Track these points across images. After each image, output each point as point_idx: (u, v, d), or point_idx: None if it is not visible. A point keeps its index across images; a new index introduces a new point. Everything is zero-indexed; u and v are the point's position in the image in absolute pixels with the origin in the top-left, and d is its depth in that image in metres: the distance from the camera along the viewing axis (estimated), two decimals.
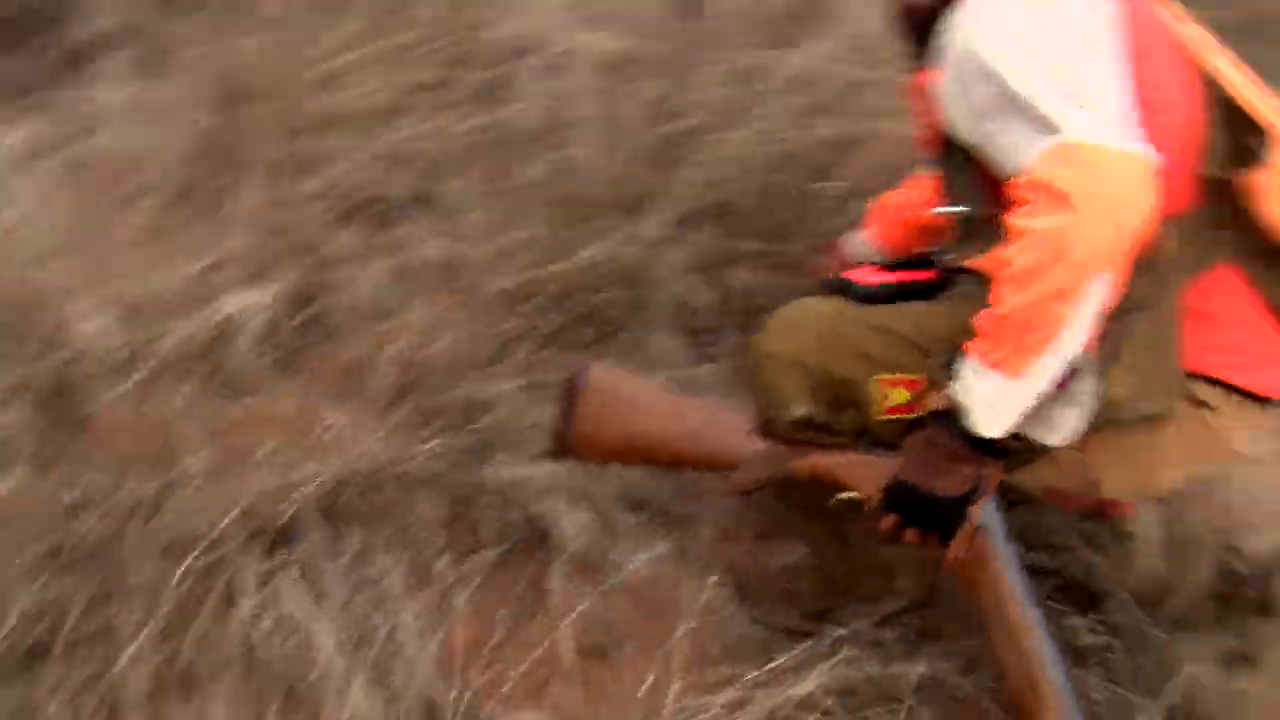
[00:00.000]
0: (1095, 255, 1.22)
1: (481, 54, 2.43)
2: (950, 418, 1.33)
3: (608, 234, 2.08)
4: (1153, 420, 1.41)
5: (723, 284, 2.11)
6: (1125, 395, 1.37)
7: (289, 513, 1.54)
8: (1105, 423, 1.37)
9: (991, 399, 1.29)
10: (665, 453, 1.60)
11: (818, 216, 2.25)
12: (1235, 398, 1.43)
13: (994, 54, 1.35)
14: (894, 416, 1.47)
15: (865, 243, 2.06)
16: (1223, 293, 1.40)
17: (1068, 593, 1.70)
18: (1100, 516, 1.75)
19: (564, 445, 1.60)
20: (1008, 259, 1.26)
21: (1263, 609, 1.69)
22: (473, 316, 1.87)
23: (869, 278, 1.55)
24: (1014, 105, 1.31)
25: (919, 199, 1.98)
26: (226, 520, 1.50)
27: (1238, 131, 1.41)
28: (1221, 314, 1.41)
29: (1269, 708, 1.63)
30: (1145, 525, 1.75)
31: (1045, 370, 1.27)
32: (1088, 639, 1.61)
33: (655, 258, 2.08)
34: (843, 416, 1.52)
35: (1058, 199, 1.22)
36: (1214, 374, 1.41)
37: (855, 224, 2.13)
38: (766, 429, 1.55)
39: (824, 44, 2.38)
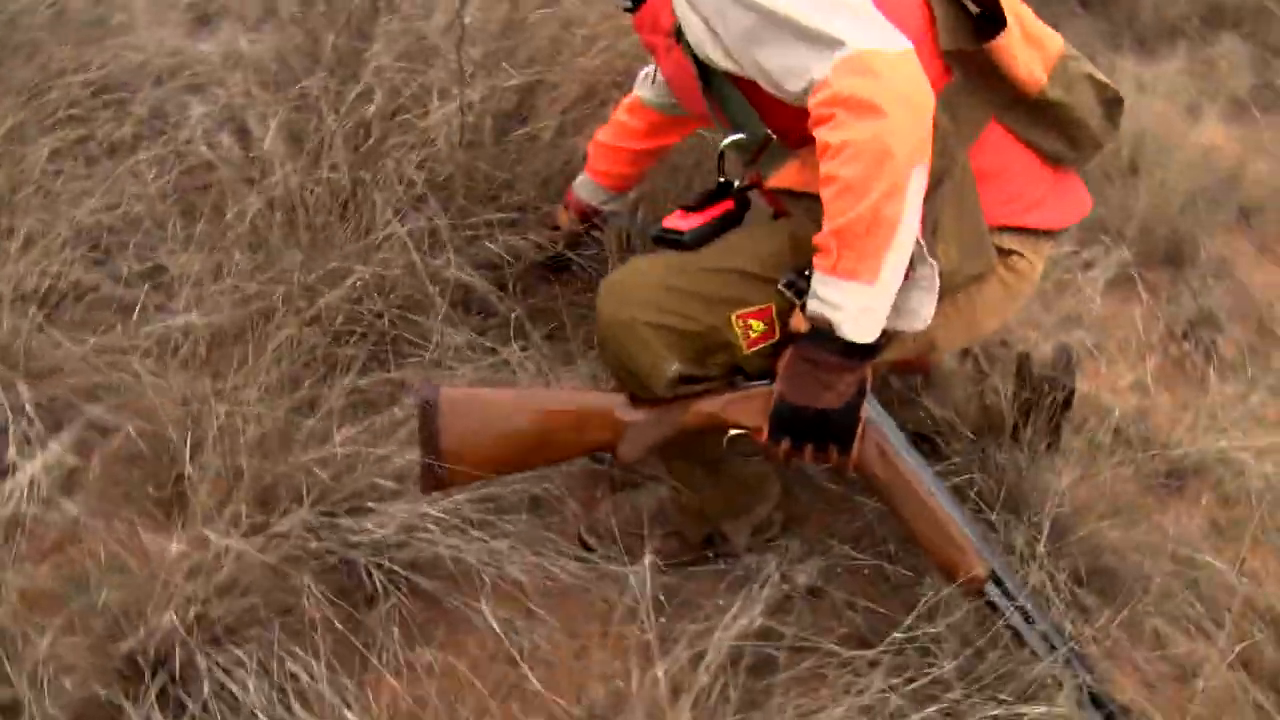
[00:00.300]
0: (912, 149, 1.32)
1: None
2: (818, 334, 1.38)
3: (346, 248, 1.97)
4: (978, 278, 1.55)
5: (485, 262, 2.07)
6: (953, 265, 1.47)
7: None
8: (942, 292, 1.49)
9: (859, 306, 1.35)
10: (541, 452, 1.58)
11: (534, 165, 2.25)
12: (1031, 238, 1.60)
13: None
14: (758, 347, 1.52)
15: (594, 184, 2.12)
16: (995, 149, 1.54)
17: (918, 444, 1.84)
18: (914, 370, 1.91)
19: (434, 475, 1.53)
20: (832, 174, 1.32)
21: (1066, 404, 1.92)
22: (257, 382, 1.71)
23: (685, 223, 1.57)
24: (778, 26, 1.37)
25: (632, 129, 2.05)
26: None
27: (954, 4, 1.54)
28: (1000, 168, 1.55)
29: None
30: (949, 361, 1.94)
31: (896, 265, 1.35)
32: (952, 480, 1.77)
33: (404, 258, 1.99)
34: (712, 361, 1.55)
35: (863, 108, 1.29)
36: (1011, 222, 1.56)
37: (578, 167, 2.17)
38: (642, 395, 1.56)
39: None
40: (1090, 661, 1.55)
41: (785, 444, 1.45)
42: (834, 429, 1.43)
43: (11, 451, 1.54)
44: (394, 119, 2.14)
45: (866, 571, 1.75)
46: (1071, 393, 1.97)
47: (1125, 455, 2.06)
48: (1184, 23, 3.69)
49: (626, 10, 1.71)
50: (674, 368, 1.53)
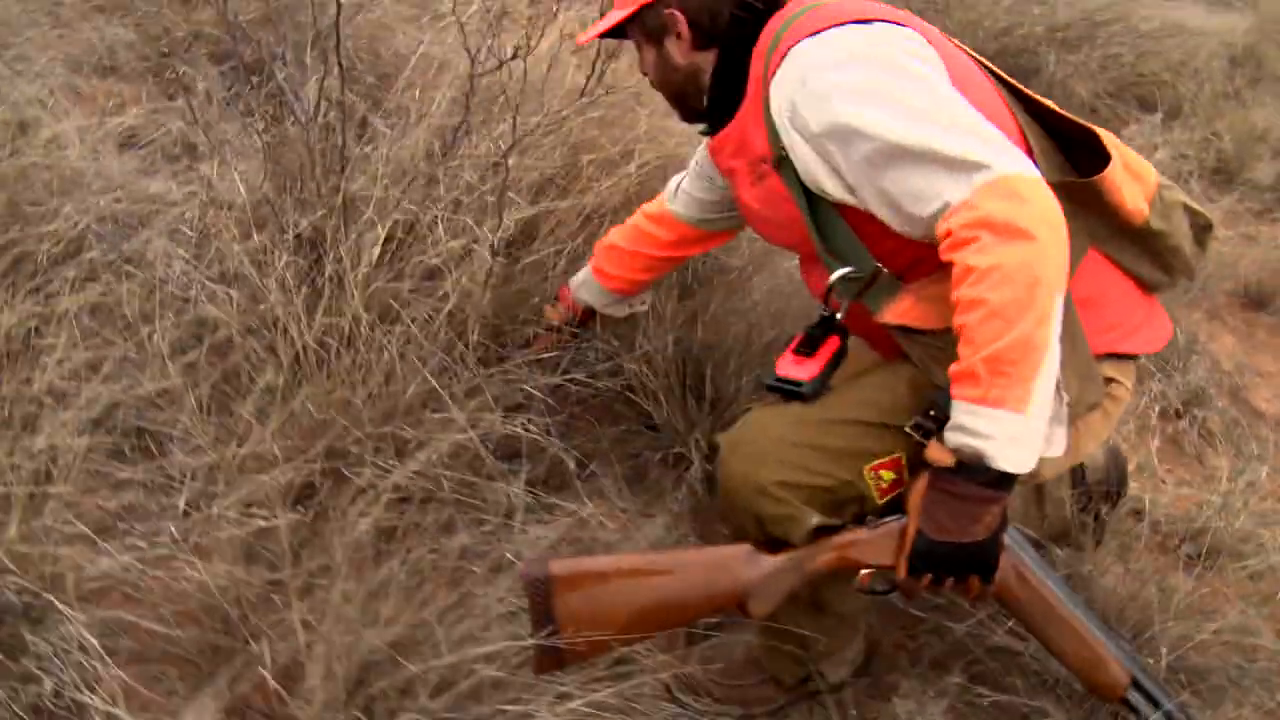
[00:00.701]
0: (1058, 275, 1.30)
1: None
2: (964, 468, 1.34)
3: (379, 407, 1.83)
4: (1091, 408, 1.53)
5: (514, 403, 1.96)
6: (1074, 395, 1.47)
7: None
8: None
9: (1009, 436, 1.31)
10: (665, 617, 1.49)
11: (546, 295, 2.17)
12: (1127, 364, 1.60)
13: (856, 114, 1.39)
14: (890, 497, 1.49)
15: (599, 287, 2.07)
16: (1094, 277, 1.55)
17: None
18: None
19: (549, 656, 1.43)
20: (978, 299, 1.29)
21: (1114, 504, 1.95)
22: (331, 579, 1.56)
23: (802, 370, 1.53)
24: (908, 155, 1.35)
25: (657, 239, 2.02)
26: None
27: (1051, 137, 1.56)
28: (1099, 295, 1.56)
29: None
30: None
31: (1045, 393, 1.32)
32: None
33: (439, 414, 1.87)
34: (845, 512, 1.51)
35: (1012, 232, 1.27)
36: (1112, 349, 1.57)
37: (577, 267, 2.12)
38: (777, 546, 1.49)
39: None
40: None
41: (926, 579, 1.41)
42: (979, 560, 1.39)
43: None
44: (402, 259, 2.02)
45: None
46: (1120, 495, 2.00)
47: (1159, 543, 2.10)
48: (1096, 100, 3.85)
49: (703, 134, 1.70)
50: (813, 520, 1.49)
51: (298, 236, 2.04)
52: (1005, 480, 1.34)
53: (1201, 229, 1.62)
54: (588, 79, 2.17)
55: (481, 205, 2.09)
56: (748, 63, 1.58)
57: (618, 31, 1.71)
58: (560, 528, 1.72)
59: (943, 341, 1.42)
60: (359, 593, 1.48)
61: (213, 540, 1.53)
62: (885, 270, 1.50)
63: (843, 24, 1.47)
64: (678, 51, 1.65)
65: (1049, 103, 1.59)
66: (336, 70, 2.01)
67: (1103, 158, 1.49)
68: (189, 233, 2.11)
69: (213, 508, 1.56)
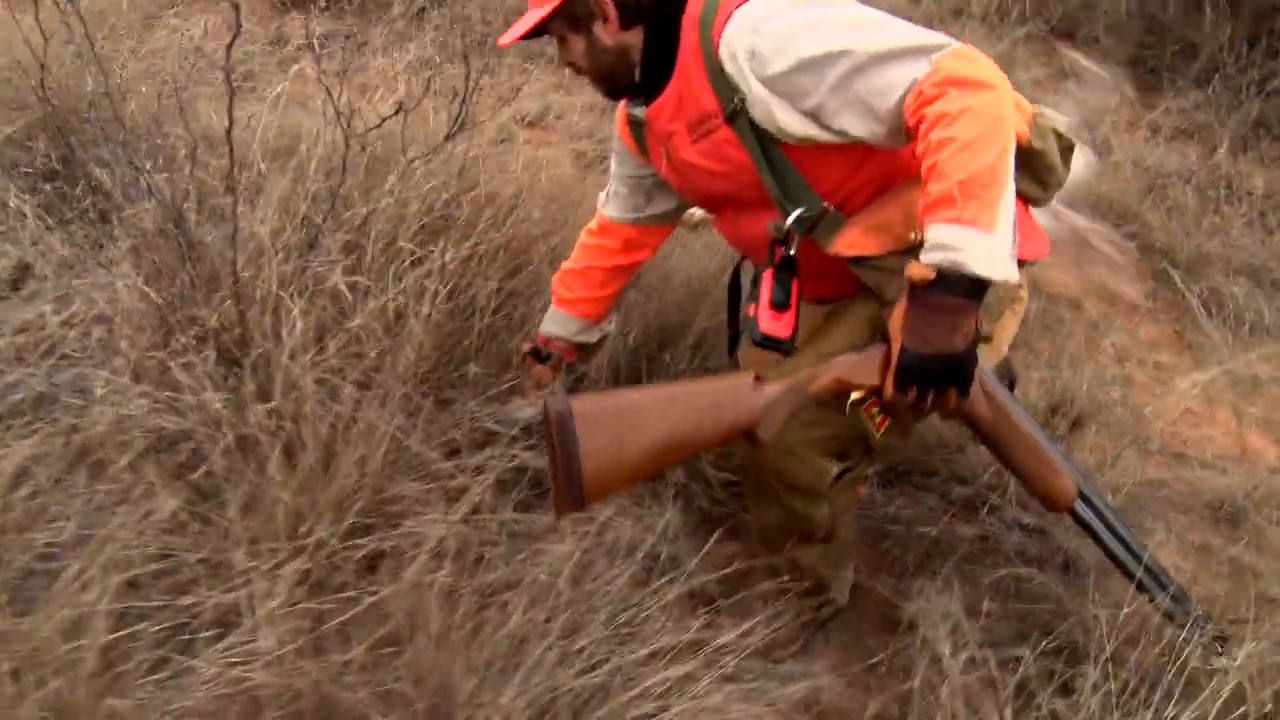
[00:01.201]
0: (1013, 117, 1.51)
1: None
2: (943, 280, 1.46)
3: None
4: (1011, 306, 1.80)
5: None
6: (1002, 289, 1.72)
7: None
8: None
9: (984, 247, 1.45)
10: (682, 448, 1.52)
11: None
12: (1022, 270, 1.84)
13: (821, 43, 1.56)
14: (885, 427, 1.62)
15: (567, 316, 2.16)
16: None
17: None
18: None
19: (576, 493, 1.45)
20: (949, 137, 1.46)
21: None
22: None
23: (782, 326, 1.69)
24: (876, 59, 1.53)
25: (606, 249, 2.13)
26: None
27: None
28: None
29: None
30: None
31: (1008, 218, 1.48)
32: None
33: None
34: (852, 452, 1.72)
35: (975, 84, 1.48)
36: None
37: (544, 306, 2.19)
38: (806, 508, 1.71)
39: None
40: (1166, 574, 1.74)
41: (912, 394, 1.51)
42: (958, 370, 1.50)
43: None
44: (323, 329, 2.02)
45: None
46: (1012, 388, 2.31)
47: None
48: None
49: (639, 105, 1.83)
50: (834, 469, 1.65)
51: (201, 332, 2.01)
52: (979, 288, 1.48)
53: (1066, 150, 1.88)
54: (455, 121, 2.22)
55: (382, 261, 2.12)
56: (677, 34, 1.73)
57: (538, 30, 1.79)
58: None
59: (890, 263, 1.64)
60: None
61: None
62: (831, 207, 1.69)
63: None
64: (606, 34, 1.77)
65: None
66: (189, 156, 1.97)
67: None
68: (88, 354, 2.02)
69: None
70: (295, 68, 2.82)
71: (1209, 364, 2.94)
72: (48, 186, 2.59)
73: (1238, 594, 1.92)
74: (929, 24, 4.33)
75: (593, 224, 2.16)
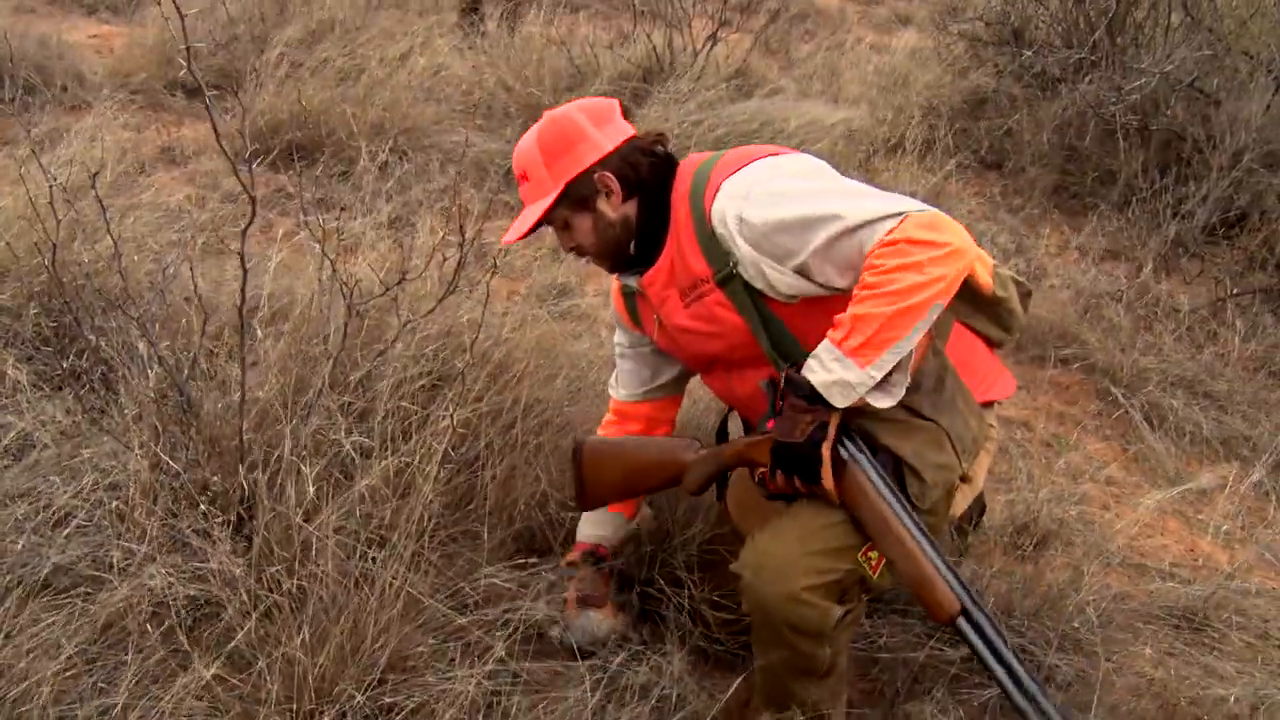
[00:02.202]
0: (945, 288, 1.68)
1: None
2: (790, 382, 1.74)
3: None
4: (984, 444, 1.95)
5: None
6: (975, 433, 1.89)
7: None
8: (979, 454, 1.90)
9: (836, 377, 1.69)
10: (640, 481, 2.09)
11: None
12: (990, 410, 2.03)
13: (808, 207, 1.73)
14: (880, 568, 1.81)
15: (608, 517, 2.25)
16: (961, 341, 1.97)
17: None
18: None
19: (581, 497, 2.14)
20: (877, 282, 1.65)
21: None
22: None
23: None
24: (856, 228, 1.69)
25: (632, 432, 2.24)
26: None
27: None
28: (969, 357, 1.98)
29: None
30: None
31: (887, 362, 1.69)
32: None
33: None
34: (851, 595, 1.84)
35: (927, 245, 1.65)
36: (984, 399, 1.99)
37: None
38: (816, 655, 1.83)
39: None
40: (1051, 698, 1.77)
41: (780, 475, 1.79)
42: (799, 459, 1.75)
43: None
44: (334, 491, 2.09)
45: None
46: (982, 515, 2.46)
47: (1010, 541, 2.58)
48: None
49: (635, 276, 1.97)
50: (837, 612, 1.79)
51: (212, 497, 2.07)
52: (821, 399, 1.71)
53: (1025, 295, 2.07)
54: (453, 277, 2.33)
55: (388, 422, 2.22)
56: (668, 204, 1.90)
57: (542, 220, 1.92)
58: None
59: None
60: None
61: None
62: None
63: (759, 159, 1.85)
64: (610, 208, 1.92)
65: None
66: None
67: None
68: (96, 524, 2.08)
69: None
70: (280, 230, 2.95)
71: (1156, 476, 3.11)
72: (41, 354, 2.65)
73: None
74: (868, 157, 4.63)
75: (608, 416, 2.26)
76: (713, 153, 1.96)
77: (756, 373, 1.91)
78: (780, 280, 1.79)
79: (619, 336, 2.22)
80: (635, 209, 1.93)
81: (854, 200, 1.74)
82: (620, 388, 2.24)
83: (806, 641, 1.81)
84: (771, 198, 1.78)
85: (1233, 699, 1.99)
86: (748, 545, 1.86)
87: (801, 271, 1.77)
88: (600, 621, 2.11)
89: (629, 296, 2.08)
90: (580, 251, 1.99)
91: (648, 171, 1.92)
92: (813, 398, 1.71)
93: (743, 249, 1.79)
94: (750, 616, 1.85)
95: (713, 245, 1.83)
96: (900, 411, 1.82)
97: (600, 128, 1.92)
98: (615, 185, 1.90)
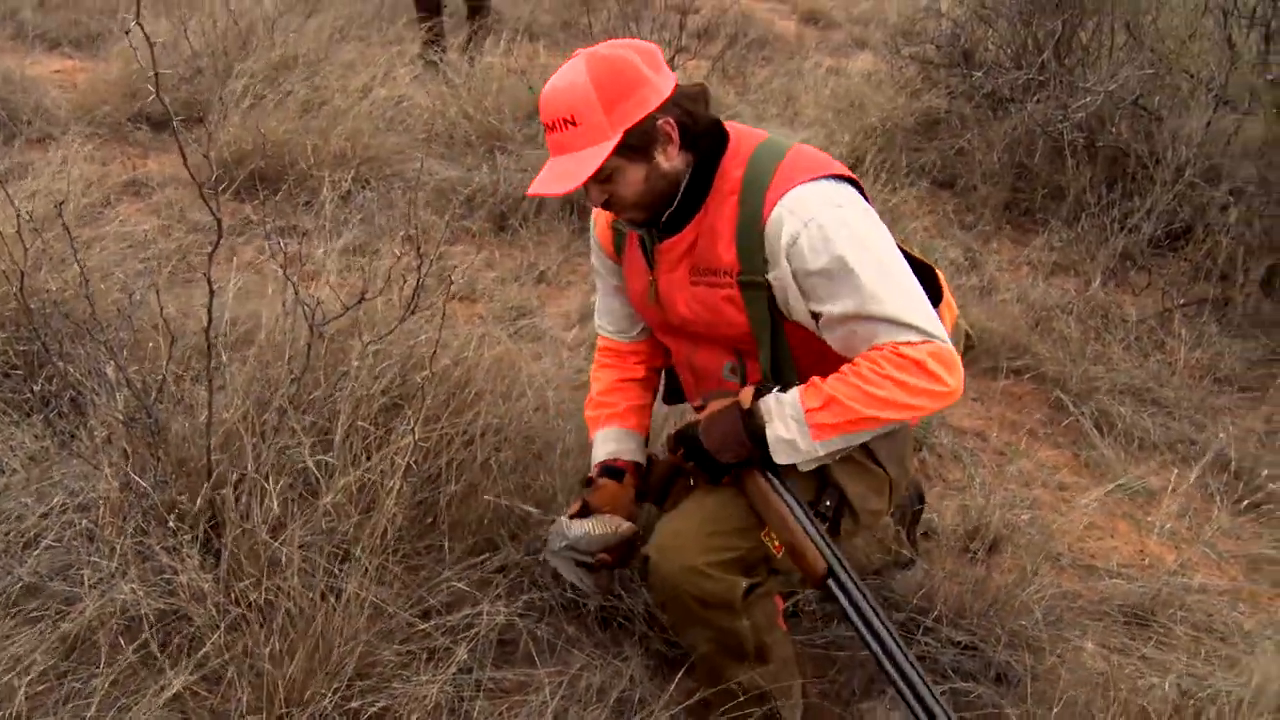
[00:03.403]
0: (916, 418, 1.82)
1: None
2: (750, 416, 1.80)
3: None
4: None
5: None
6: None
7: None
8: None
9: (789, 440, 1.78)
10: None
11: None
12: None
13: (855, 260, 1.73)
14: (783, 550, 1.86)
15: (624, 432, 2.21)
16: None
17: None
18: None
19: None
20: (871, 378, 1.71)
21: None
22: None
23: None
24: (886, 321, 1.73)
25: (627, 363, 2.25)
26: None
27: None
28: None
29: None
30: None
31: (837, 450, 1.81)
32: None
33: None
34: (758, 571, 1.91)
35: (931, 377, 1.71)
36: None
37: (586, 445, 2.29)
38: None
39: None
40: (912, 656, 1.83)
41: (680, 452, 1.91)
42: (710, 466, 1.87)
43: None
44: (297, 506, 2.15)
45: None
46: (920, 510, 2.55)
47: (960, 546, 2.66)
48: None
49: (659, 236, 1.92)
50: (743, 584, 1.87)
51: (180, 515, 2.12)
52: (763, 445, 1.80)
53: (970, 347, 2.14)
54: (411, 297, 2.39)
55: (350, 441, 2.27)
56: (713, 172, 1.84)
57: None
58: None
59: None
60: None
61: None
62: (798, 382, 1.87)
63: (828, 176, 1.81)
64: (666, 158, 1.82)
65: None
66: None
67: (936, 291, 1.95)
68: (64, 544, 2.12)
69: None
70: (244, 258, 3.00)
71: (1106, 480, 3.20)
72: (10, 380, 2.69)
73: None
74: None
75: (600, 355, 2.24)
76: (765, 133, 1.90)
77: (722, 354, 1.97)
78: (799, 310, 1.82)
79: (596, 262, 2.17)
80: (685, 165, 1.84)
81: (899, 293, 1.75)
82: (609, 325, 2.22)
83: (718, 615, 1.88)
84: (828, 237, 1.74)
85: (1167, 685, 2.07)
86: (655, 528, 1.94)
87: (814, 315, 1.81)
88: (573, 526, 2.01)
89: (619, 232, 2.03)
90: (613, 205, 1.87)
91: (705, 126, 1.83)
92: (757, 439, 1.80)
93: (784, 268, 1.78)
94: (662, 599, 1.92)
95: (753, 245, 1.80)
96: (859, 452, 1.92)
97: (655, 72, 1.79)
98: (676, 135, 1.80)
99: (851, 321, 1.76)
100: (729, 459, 1.84)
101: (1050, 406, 3.57)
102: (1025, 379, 3.67)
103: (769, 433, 1.78)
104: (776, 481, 1.85)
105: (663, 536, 1.91)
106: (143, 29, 1.78)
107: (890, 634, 1.75)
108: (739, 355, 1.96)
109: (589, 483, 2.11)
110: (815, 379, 1.79)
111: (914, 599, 2.44)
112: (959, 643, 2.33)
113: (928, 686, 1.72)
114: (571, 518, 2.03)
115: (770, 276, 1.81)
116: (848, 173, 1.88)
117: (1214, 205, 4.41)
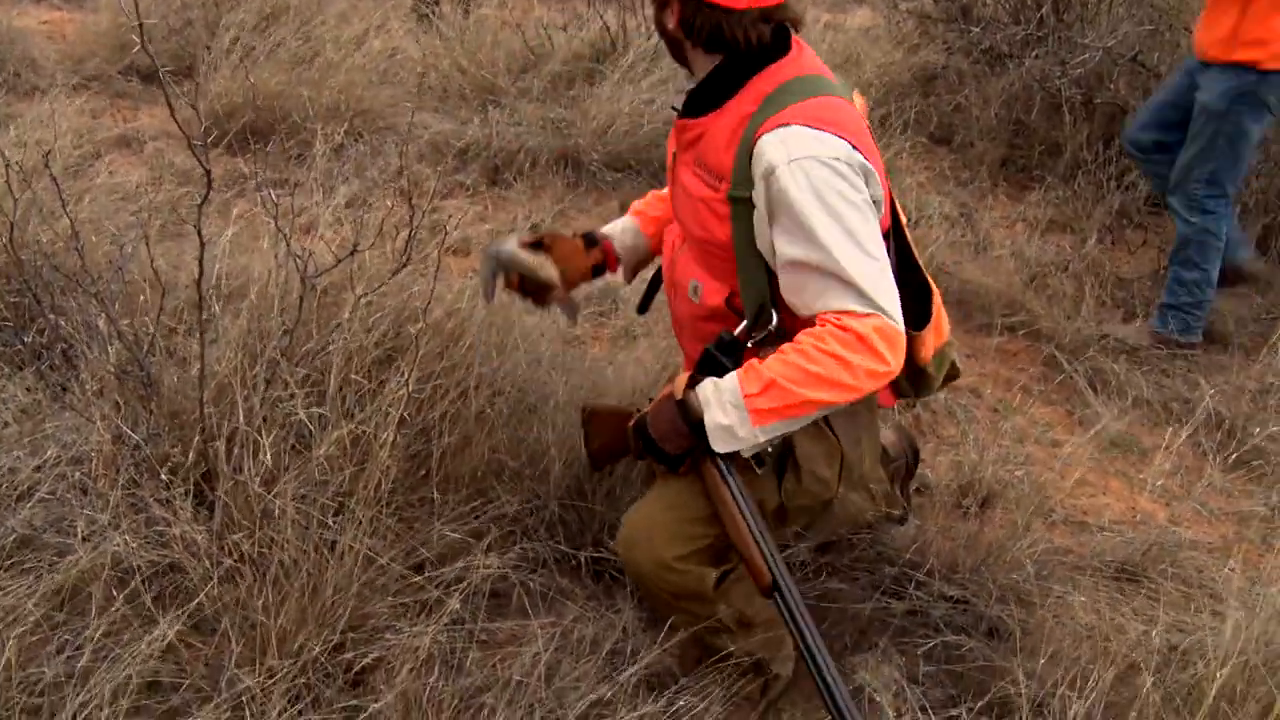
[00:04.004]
0: (857, 399, 1.76)
1: None
2: (680, 404, 1.80)
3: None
4: None
5: None
6: (869, 470, 2.06)
7: None
8: None
9: (727, 426, 1.76)
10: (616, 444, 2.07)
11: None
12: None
13: (818, 217, 1.72)
14: None
15: (633, 230, 2.30)
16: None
17: None
18: None
19: (590, 459, 2.15)
20: (814, 356, 1.70)
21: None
22: None
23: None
24: (839, 279, 1.72)
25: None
26: None
27: (909, 283, 1.94)
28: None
29: None
30: None
31: (775, 434, 1.78)
32: None
33: None
34: (729, 557, 1.91)
35: (874, 355, 1.70)
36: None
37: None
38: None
39: None
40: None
41: (638, 445, 1.90)
42: (659, 455, 1.87)
43: None
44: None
45: None
46: (915, 467, 2.56)
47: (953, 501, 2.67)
48: None
49: (689, 115, 1.92)
50: (713, 574, 1.90)
51: (173, 468, 2.12)
52: (702, 434, 1.78)
53: (950, 375, 2.13)
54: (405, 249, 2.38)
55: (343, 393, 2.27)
56: (743, 81, 1.84)
57: None
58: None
59: None
60: None
61: None
62: (775, 316, 1.88)
63: (836, 133, 1.77)
64: (667, 19, 1.89)
65: (915, 251, 2.02)
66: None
67: (925, 312, 1.94)
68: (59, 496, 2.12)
69: None
70: (236, 211, 2.98)
71: (1101, 440, 3.20)
72: (1, 333, 2.68)
73: None
74: None
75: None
76: (828, 75, 1.90)
77: (695, 267, 1.97)
78: (764, 239, 1.81)
79: None
80: (715, 61, 1.88)
81: (860, 257, 1.73)
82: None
83: (693, 604, 1.91)
84: (802, 182, 1.73)
85: (1156, 638, 2.08)
86: (623, 521, 1.96)
87: (773, 246, 1.80)
88: (513, 245, 2.17)
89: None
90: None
91: (739, 37, 1.81)
92: (695, 428, 1.79)
93: (759, 195, 1.78)
94: (638, 589, 1.93)
95: (742, 160, 1.80)
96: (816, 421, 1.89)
97: None
98: (676, 5, 1.85)
99: (804, 270, 1.75)
100: (671, 449, 1.84)
101: (1044, 364, 3.58)
102: (1019, 335, 3.67)
103: (707, 420, 1.77)
104: (731, 480, 1.84)
105: (630, 528, 1.93)
106: None
107: (818, 647, 1.76)
108: (709, 274, 1.94)
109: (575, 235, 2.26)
110: (753, 361, 1.77)
111: (907, 554, 2.45)
112: (951, 597, 2.35)
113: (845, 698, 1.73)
114: (522, 244, 2.19)
115: (754, 194, 1.80)
116: (872, 149, 1.86)
117: None
